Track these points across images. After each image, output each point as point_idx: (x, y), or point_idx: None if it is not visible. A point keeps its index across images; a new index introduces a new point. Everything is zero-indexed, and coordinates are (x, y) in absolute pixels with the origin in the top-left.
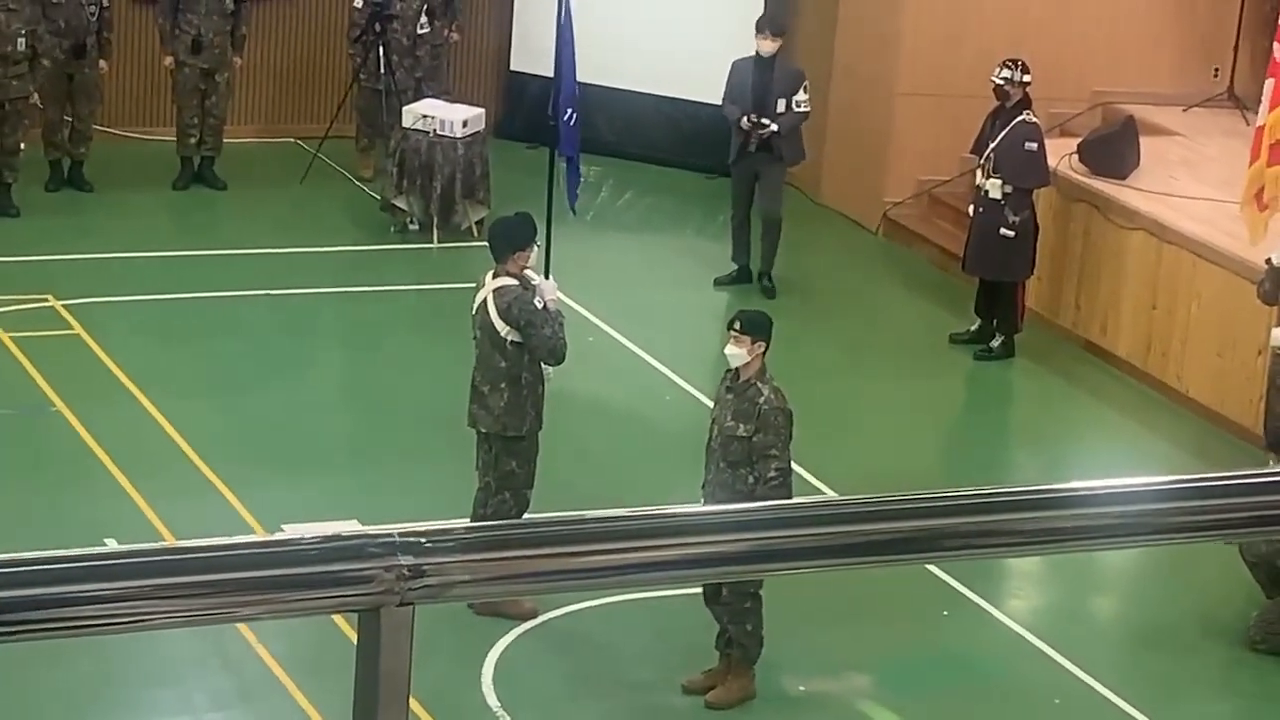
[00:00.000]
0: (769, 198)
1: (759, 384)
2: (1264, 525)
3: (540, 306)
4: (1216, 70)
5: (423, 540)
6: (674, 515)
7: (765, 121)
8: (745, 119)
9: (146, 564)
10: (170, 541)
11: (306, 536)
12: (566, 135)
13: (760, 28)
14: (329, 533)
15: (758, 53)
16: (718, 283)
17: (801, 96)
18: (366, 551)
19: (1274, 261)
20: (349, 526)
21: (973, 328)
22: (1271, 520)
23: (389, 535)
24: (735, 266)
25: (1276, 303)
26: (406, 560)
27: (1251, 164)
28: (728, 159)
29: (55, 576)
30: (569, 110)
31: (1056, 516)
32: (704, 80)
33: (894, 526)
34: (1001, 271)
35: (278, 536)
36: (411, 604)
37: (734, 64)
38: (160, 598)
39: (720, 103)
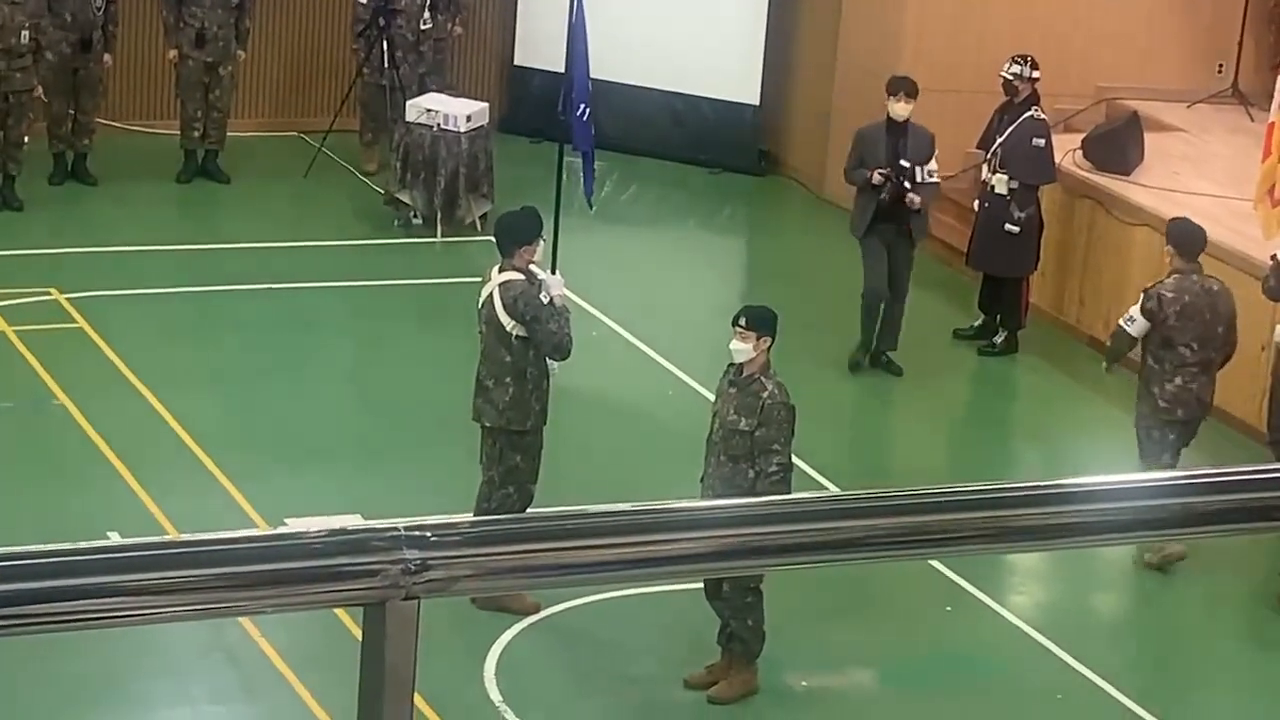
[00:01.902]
0: (901, 277)
1: (763, 378)
2: (1267, 520)
3: (546, 301)
4: (1221, 66)
5: (428, 534)
6: (678, 510)
7: (907, 166)
8: (877, 173)
9: (152, 557)
10: (173, 535)
11: (311, 530)
12: (580, 131)
13: (894, 89)
14: (333, 527)
15: (889, 117)
16: (854, 367)
17: (933, 165)
18: (372, 545)
19: (1279, 257)
20: (352, 520)
21: (976, 323)
22: (1275, 515)
23: (394, 529)
24: (863, 352)
25: None
26: (412, 554)
27: (1264, 160)
28: (852, 229)
29: (60, 570)
30: (582, 105)
31: (1060, 512)
32: (708, 75)
33: (896, 521)
34: (1006, 267)
35: (282, 530)
36: (417, 598)
37: (860, 133)
38: (165, 591)
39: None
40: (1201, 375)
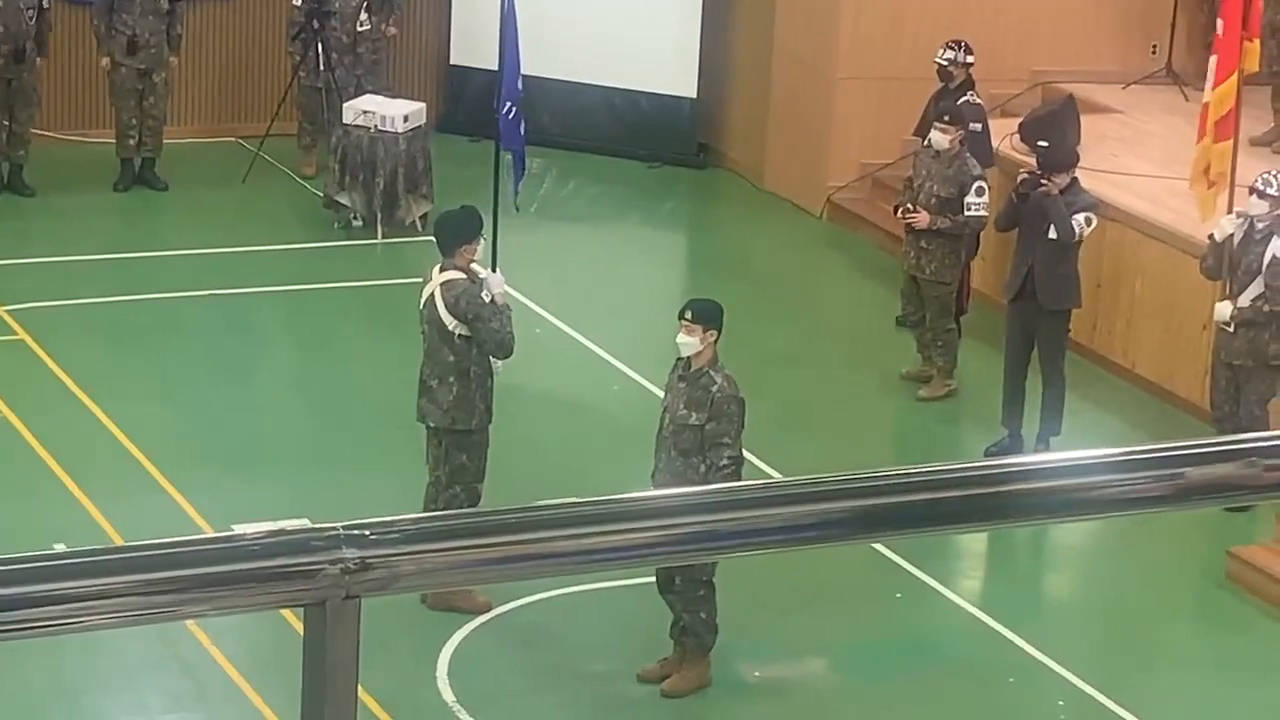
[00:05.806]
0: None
1: (711, 372)
2: (1214, 494)
3: (488, 300)
4: (1154, 47)
5: (367, 533)
6: (619, 501)
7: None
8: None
9: (89, 564)
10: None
11: (249, 533)
12: (506, 128)
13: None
14: (273, 528)
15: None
16: (987, 452)
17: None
18: (310, 546)
19: (1216, 236)
20: (299, 525)
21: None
22: (1219, 489)
23: (333, 529)
24: (1005, 433)
25: (1220, 277)
26: (351, 553)
27: (1199, 141)
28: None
29: None
30: (508, 104)
31: (1006, 491)
32: (644, 69)
33: (843, 506)
34: None
35: (223, 534)
36: (357, 597)
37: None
38: (104, 598)
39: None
40: None
